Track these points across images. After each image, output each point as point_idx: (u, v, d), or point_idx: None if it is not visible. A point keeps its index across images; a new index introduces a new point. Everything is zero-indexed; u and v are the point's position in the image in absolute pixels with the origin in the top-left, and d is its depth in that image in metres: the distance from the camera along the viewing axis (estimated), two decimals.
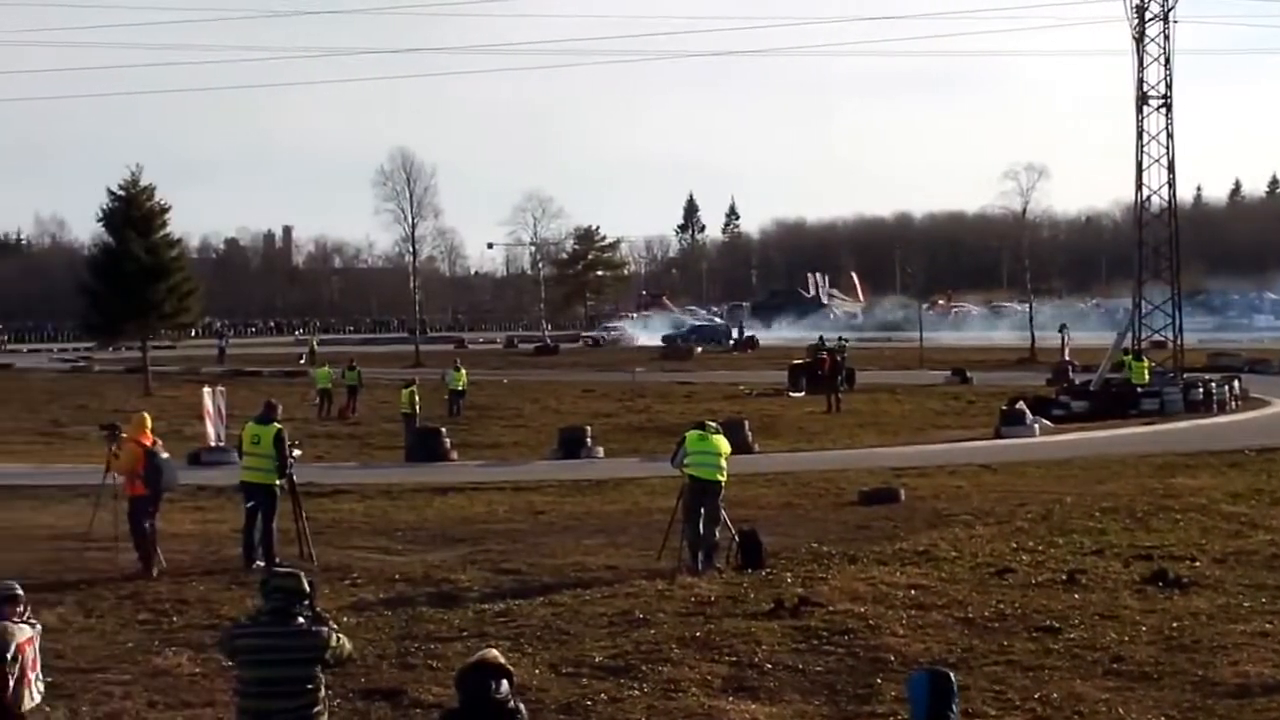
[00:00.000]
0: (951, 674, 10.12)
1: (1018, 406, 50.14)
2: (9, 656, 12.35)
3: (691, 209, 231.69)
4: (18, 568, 22.75)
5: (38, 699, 12.78)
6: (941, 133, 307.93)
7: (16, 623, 12.59)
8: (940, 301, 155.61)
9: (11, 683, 12.33)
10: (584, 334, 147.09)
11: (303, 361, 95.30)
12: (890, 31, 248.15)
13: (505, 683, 9.59)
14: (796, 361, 74.76)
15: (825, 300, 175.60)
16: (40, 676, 12.93)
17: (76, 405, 65.99)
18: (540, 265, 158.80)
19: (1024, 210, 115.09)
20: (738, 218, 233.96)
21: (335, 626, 11.34)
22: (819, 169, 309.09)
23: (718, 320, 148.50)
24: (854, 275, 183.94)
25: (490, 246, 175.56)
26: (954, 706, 9.63)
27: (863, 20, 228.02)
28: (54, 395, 72.66)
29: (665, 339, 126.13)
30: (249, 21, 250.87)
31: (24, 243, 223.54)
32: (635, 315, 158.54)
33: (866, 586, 21.61)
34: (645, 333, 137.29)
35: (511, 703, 9.60)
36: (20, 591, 12.96)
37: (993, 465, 39.27)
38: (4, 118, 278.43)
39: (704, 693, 16.16)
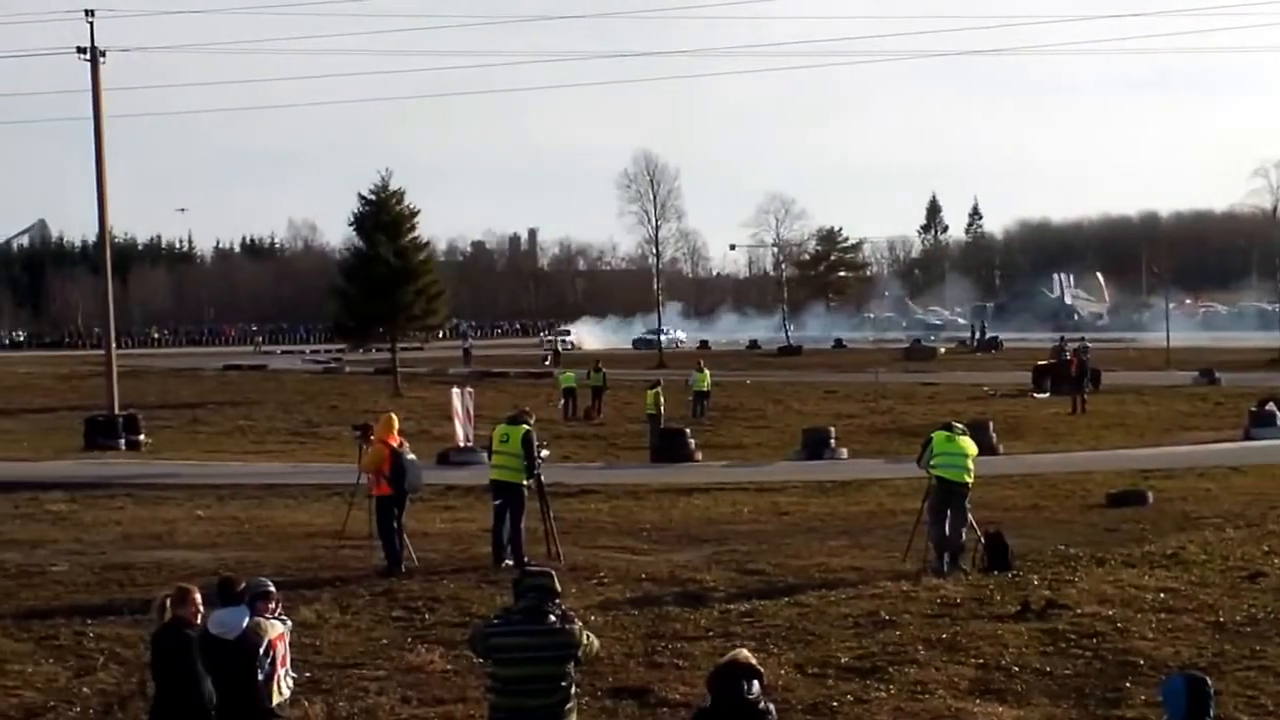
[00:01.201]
0: (1208, 679, 10.00)
1: (1268, 408, 49.07)
2: (261, 651, 12.69)
3: (934, 209, 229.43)
4: (275, 565, 23.45)
5: (286, 694, 13.08)
6: (1189, 131, 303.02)
7: (269, 619, 12.92)
8: (1187, 301, 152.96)
9: (261, 676, 12.67)
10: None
11: (547, 363, 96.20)
12: (1137, 29, 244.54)
13: (756, 683, 9.64)
14: (1041, 362, 73.96)
15: (1069, 300, 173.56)
16: (290, 672, 13.23)
17: (328, 406, 67.33)
18: (783, 266, 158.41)
19: (1275, 208, 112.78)
20: (981, 217, 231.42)
21: (583, 625, 11.51)
22: (1063, 168, 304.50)
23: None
24: (1098, 275, 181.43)
25: (733, 248, 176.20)
26: (1210, 712, 9.51)
27: (1109, 18, 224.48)
28: (307, 396, 74.13)
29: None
30: (494, 26, 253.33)
31: (278, 247, 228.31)
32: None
33: (1114, 589, 21.35)
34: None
35: (762, 703, 9.66)
36: (273, 589, 13.29)
37: (1242, 467, 38.60)
38: (258, 124, 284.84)
39: (950, 694, 16.09)
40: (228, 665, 12.45)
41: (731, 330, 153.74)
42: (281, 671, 12.94)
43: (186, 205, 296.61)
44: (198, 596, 12.56)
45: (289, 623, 13.53)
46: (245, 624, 12.65)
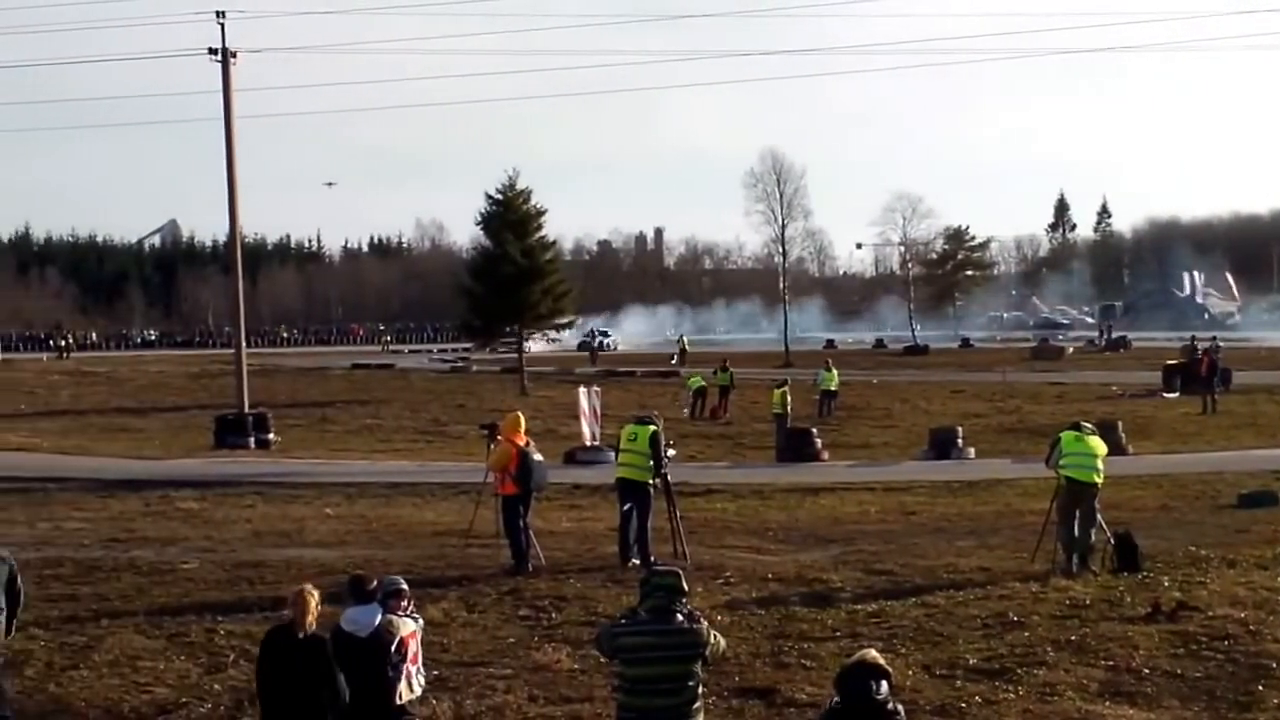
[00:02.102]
0: None
1: None
2: (392, 648, 12.79)
3: (1062, 207, 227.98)
4: (403, 563, 23.57)
5: (417, 692, 13.18)
6: None
7: (401, 617, 13.03)
8: None
9: (392, 674, 12.76)
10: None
11: (674, 362, 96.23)
12: (1267, 25, 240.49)
13: (885, 684, 9.63)
14: (1171, 362, 73.30)
15: (1200, 299, 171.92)
16: (420, 670, 13.33)
17: (455, 405, 67.60)
18: (909, 265, 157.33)
19: None
20: (1109, 216, 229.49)
21: (709, 624, 11.51)
22: (1193, 166, 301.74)
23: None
24: (1227, 274, 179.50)
25: (859, 247, 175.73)
26: None
27: (1239, 14, 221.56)
28: (434, 395, 74.47)
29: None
30: (621, 26, 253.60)
31: (405, 246, 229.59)
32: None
33: (1246, 591, 21.11)
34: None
35: (891, 704, 9.65)
36: (405, 586, 13.42)
37: None
38: (386, 124, 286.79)
39: (1080, 696, 15.99)
40: (360, 662, 12.55)
41: (818, 329, 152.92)
42: (413, 669, 13.06)
43: (315, 204, 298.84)
44: (311, 601, 12.54)
45: (420, 621, 13.64)
46: (378, 621, 12.77)
